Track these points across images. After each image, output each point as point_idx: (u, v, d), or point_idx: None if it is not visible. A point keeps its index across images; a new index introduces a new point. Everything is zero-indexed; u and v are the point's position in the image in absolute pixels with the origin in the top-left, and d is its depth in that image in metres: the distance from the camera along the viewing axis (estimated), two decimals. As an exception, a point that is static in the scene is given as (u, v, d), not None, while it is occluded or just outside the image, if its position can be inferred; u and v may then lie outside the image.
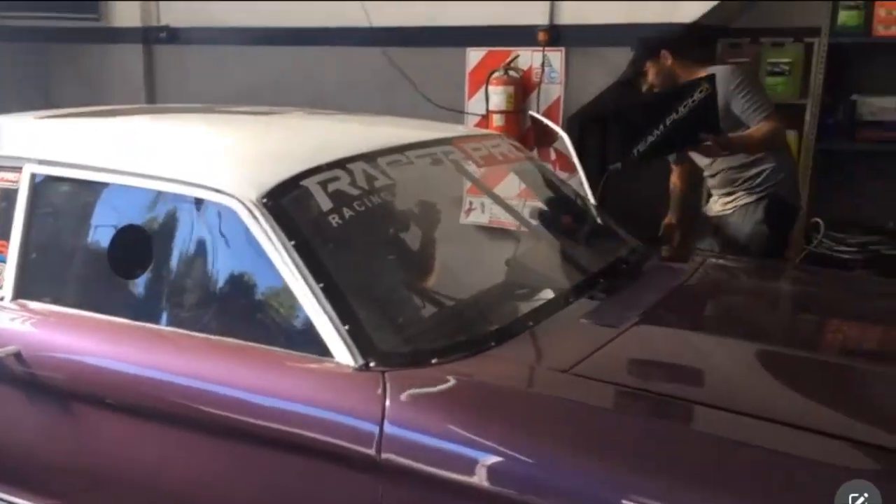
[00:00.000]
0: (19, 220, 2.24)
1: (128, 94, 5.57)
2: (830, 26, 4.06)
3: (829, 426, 1.59)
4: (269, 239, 1.90)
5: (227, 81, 5.32)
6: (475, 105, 4.73)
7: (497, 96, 4.52)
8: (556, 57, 4.49)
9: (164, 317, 2.04)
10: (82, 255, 2.23)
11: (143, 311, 2.07)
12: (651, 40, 3.46)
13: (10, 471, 2.15)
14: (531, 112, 4.41)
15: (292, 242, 1.89)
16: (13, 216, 2.26)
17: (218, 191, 1.98)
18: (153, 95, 5.72)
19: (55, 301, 2.16)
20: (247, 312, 1.97)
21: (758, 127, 3.06)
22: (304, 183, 2.01)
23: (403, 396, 1.68)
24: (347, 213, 2.00)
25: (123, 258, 2.10)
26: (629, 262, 2.48)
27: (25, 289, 2.20)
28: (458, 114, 4.73)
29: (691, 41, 3.57)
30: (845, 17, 4.03)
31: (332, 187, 2.03)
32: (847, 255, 4.03)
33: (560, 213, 2.73)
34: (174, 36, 5.59)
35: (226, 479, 1.87)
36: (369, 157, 2.20)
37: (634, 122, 2.91)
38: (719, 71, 3.10)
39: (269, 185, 1.97)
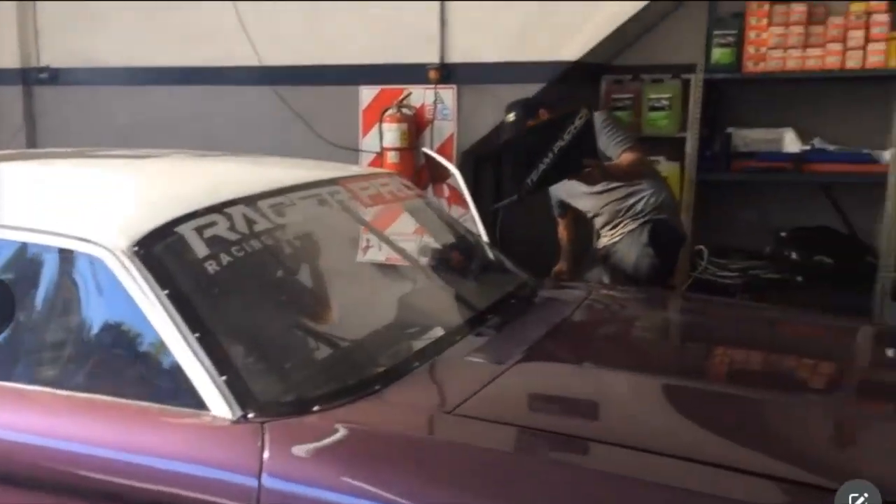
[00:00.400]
0: None
1: (6, 136, 5.34)
2: (705, 63, 4.27)
3: (727, 459, 1.59)
4: (141, 289, 1.82)
5: (112, 122, 5.18)
6: (369, 142, 4.74)
7: (391, 133, 4.55)
8: (448, 94, 4.56)
9: (29, 375, 1.92)
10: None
11: (5, 369, 1.94)
12: (528, 101, 3.67)
13: None
14: (424, 149, 4.44)
15: (165, 292, 1.82)
16: None
17: (85, 240, 1.89)
18: (34, 137, 5.50)
19: None
20: (118, 367, 1.89)
21: (623, 157, 3.25)
22: (179, 229, 1.94)
23: (282, 448, 1.63)
24: (225, 258, 1.95)
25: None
26: (518, 296, 2.50)
27: None
28: (352, 151, 4.73)
29: (562, 92, 3.72)
30: (718, 54, 4.25)
31: (208, 233, 1.97)
32: (729, 280, 4.20)
33: (450, 250, 2.74)
34: (55, 76, 5.40)
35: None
36: (249, 200, 2.15)
37: (525, 152, 2.99)
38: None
39: (140, 232, 1.89)
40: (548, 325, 2.29)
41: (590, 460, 1.65)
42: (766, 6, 4.17)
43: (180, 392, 1.76)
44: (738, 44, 4.23)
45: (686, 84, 4.43)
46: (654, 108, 4.49)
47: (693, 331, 2.62)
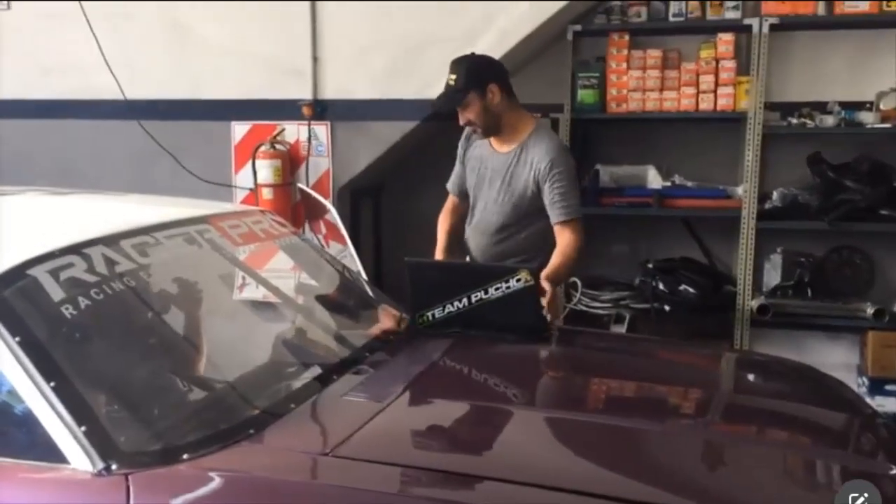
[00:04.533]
0: None
1: None
2: (572, 103, 4.45)
3: (601, 488, 1.62)
4: (-10, 336, 1.69)
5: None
6: (243, 178, 4.63)
7: (265, 170, 4.46)
8: (322, 130, 4.53)
9: None
10: None
11: None
12: (481, 66, 2.96)
13: None
14: (300, 185, 4.38)
15: (16, 339, 1.70)
16: None
17: (-74, 284, 1.74)
18: None
19: None
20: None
21: (567, 242, 2.81)
22: (31, 272, 1.82)
23: (149, 501, 1.54)
24: (83, 301, 1.84)
25: None
26: (396, 333, 2.49)
27: None
28: (225, 188, 4.61)
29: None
30: (583, 95, 4.44)
31: (64, 275, 1.86)
32: (602, 310, 4.35)
33: (328, 287, 2.70)
34: None
35: None
36: (110, 240, 2.05)
37: (431, 282, 2.52)
38: (548, 142, 2.87)
39: (-12, 275, 1.76)
40: (426, 361, 2.29)
41: (472, 496, 1.65)
42: (625, 51, 4.40)
43: (36, 445, 1.65)
44: (601, 85, 4.43)
45: (555, 122, 4.58)
46: (525, 146, 4.62)
47: (567, 362, 2.68)
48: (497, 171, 2.97)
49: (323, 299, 2.61)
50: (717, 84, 4.29)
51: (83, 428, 1.63)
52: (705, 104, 4.30)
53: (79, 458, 1.61)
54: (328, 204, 3.44)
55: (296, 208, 4.53)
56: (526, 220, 2.95)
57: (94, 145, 4.74)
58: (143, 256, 2.09)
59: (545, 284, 2.62)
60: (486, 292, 2.45)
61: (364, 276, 3.03)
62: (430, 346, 2.41)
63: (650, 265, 4.35)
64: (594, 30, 4.48)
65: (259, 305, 2.37)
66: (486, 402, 2.17)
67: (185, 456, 1.65)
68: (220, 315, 2.22)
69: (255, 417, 1.83)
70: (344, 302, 2.65)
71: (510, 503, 1.58)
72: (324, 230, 4.37)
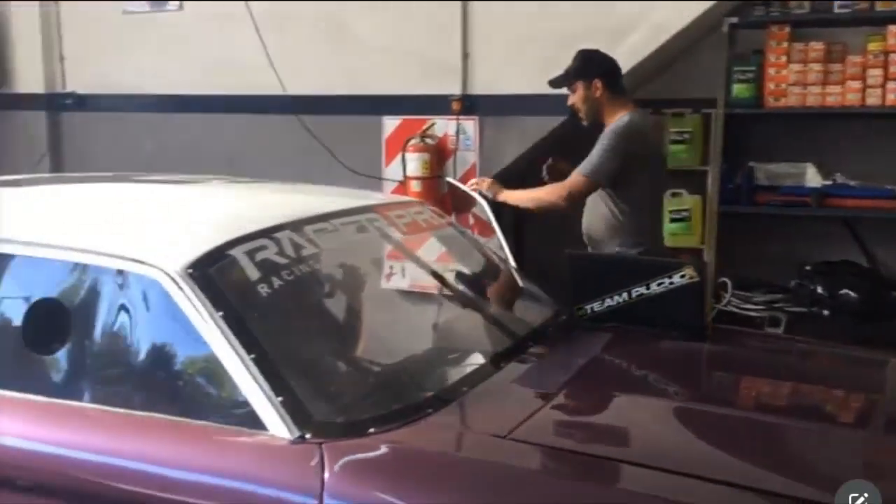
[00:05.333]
0: (-76, 294, 2.11)
1: (31, 162, 5.39)
2: (726, 98, 4.32)
3: (759, 482, 1.63)
4: (196, 310, 1.85)
5: (137, 149, 5.23)
6: (392, 171, 4.79)
7: (414, 163, 4.59)
8: (470, 125, 4.61)
9: (86, 394, 1.94)
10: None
11: (63, 388, 1.97)
12: (593, 61, 3.26)
13: None
14: (448, 178, 4.47)
15: (220, 313, 1.84)
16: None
17: (141, 262, 1.93)
18: (59, 163, 5.54)
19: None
20: (174, 386, 1.91)
21: (561, 185, 3.09)
22: (231, 252, 1.98)
23: (342, 468, 1.64)
24: (276, 282, 1.98)
25: (40, 334, 1.99)
26: (554, 326, 2.52)
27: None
28: (375, 180, 4.78)
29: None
30: (738, 89, 4.31)
31: (259, 256, 2.00)
32: (753, 312, 4.21)
33: (485, 278, 2.76)
34: (81, 103, 5.46)
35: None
36: (295, 225, 2.19)
37: (591, 275, 2.58)
38: (613, 124, 3.10)
39: (194, 255, 1.93)
40: (588, 354, 2.31)
41: (639, 485, 1.66)
42: (785, 44, 4.24)
43: (236, 412, 1.78)
44: (758, 80, 4.29)
45: (707, 118, 4.48)
46: (675, 142, 4.54)
47: (733, 362, 2.63)
48: None
49: (483, 289, 2.68)
50: (885, 78, 4.06)
51: (280, 398, 1.75)
52: (872, 99, 4.07)
53: (277, 425, 1.73)
54: (478, 196, 3.50)
55: (443, 201, 4.64)
56: (604, 201, 3.15)
57: (256, 139, 5.02)
58: (324, 242, 2.21)
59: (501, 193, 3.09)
60: (648, 287, 2.45)
61: (515, 267, 3.08)
62: (590, 339, 2.43)
63: (808, 267, 4.17)
64: (752, 22, 4.33)
65: (424, 292, 2.46)
66: (649, 396, 2.17)
67: (371, 430, 1.75)
68: (389, 300, 2.33)
69: (432, 398, 1.91)
70: (504, 293, 2.70)
71: (674, 494, 1.58)
72: (471, 222, 4.45)
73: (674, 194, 4.54)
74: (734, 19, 4.29)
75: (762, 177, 4.36)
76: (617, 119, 3.13)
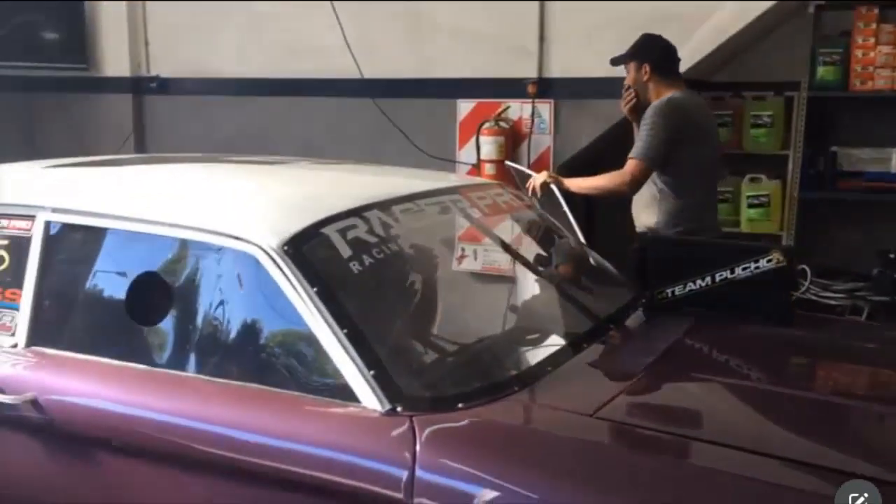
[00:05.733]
0: (33, 268, 2.24)
1: (116, 143, 5.59)
2: (809, 81, 4.22)
3: (834, 462, 1.64)
4: (292, 286, 1.91)
5: (218, 131, 5.37)
6: (465, 155, 4.82)
7: (488, 146, 4.61)
8: (546, 108, 4.61)
9: (184, 363, 2.04)
10: (98, 303, 2.23)
11: (162, 357, 2.07)
12: (646, 46, 3.36)
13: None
14: (507, 162, 4.44)
15: (315, 289, 1.91)
16: (25, 264, 2.26)
17: (239, 238, 2.00)
18: (143, 145, 5.74)
19: (70, 348, 2.15)
20: (268, 358, 1.98)
21: (617, 172, 3.10)
22: (324, 231, 2.04)
23: (434, 441, 1.69)
24: (367, 260, 2.03)
25: (141, 305, 2.10)
26: (634, 309, 2.53)
27: (39, 336, 2.18)
28: (448, 163, 4.82)
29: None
30: (823, 72, 4.20)
31: (350, 235, 2.06)
32: (834, 301, 4.11)
33: (565, 260, 2.78)
34: (164, 86, 5.64)
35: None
36: (383, 205, 2.25)
37: (672, 259, 2.57)
38: (664, 98, 3.14)
39: (289, 232, 1.99)
40: (670, 337, 2.31)
41: (730, 466, 1.67)
42: (873, 25, 4.11)
43: (329, 384, 1.85)
44: (844, 62, 4.17)
45: (789, 101, 4.38)
46: (755, 125, 4.46)
47: (811, 347, 2.59)
48: None
49: (563, 272, 2.70)
50: (980, 61, 3.91)
51: (372, 372, 1.81)
52: (963, 83, 3.94)
53: (369, 398, 1.79)
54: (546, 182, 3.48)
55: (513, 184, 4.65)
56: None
57: (333, 122, 5.11)
58: (411, 221, 2.27)
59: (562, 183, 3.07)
60: (733, 271, 2.42)
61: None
62: (672, 323, 2.43)
63: (892, 255, 4.05)
64: (839, 3, 4.21)
65: (507, 273, 2.49)
66: (733, 379, 2.17)
67: (460, 405, 1.80)
68: (473, 280, 2.37)
69: (517, 376, 1.95)
70: (583, 276, 2.72)
71: (753, 472, 1.59)
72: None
73: (752, 179, 4.46)
74: (820, 0, 4.18)
75: (845, 162, 4.26)
76: (659, 100, 3.18)
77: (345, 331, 1.86)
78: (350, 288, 1.98)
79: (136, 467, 1.97)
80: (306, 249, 1.98)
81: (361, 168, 2.94)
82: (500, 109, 4.67)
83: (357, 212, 2.15)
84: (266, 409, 1.87)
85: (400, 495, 1.65)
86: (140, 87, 5.72)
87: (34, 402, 2.03)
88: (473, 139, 4.72)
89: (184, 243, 2.10)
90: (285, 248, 1.96)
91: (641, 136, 3.09)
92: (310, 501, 1.77)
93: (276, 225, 2.02)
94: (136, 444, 1.95)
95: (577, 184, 3.21)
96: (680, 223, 3.13)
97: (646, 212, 3.25)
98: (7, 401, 2.05)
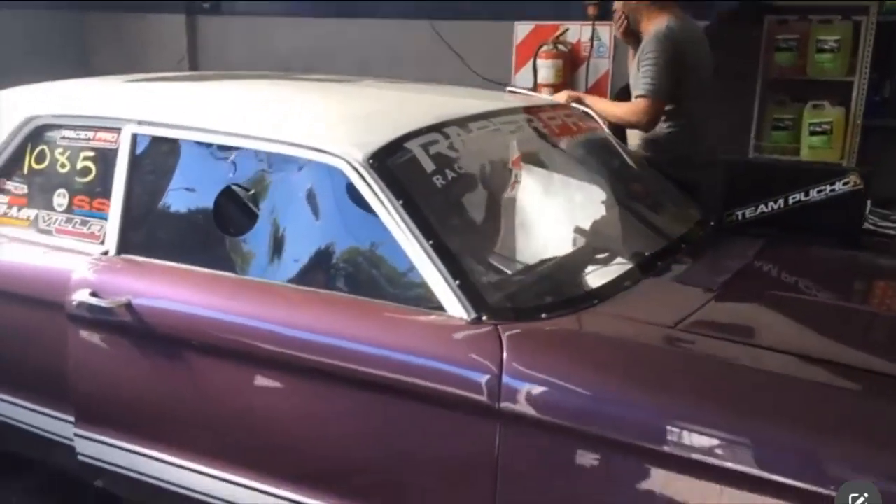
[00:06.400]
0: (121, 178, 2.31)
1: (169, 65, 5.62)
2: (879, 5, 4.10)
3: None
4: (378, 198, 1.96)
5: (271, 53, 5.38)
6: (521, 79, 4.78)
7: (546, 70, 4.57)
8: (605, 31, 4.53)
9: (270, 272, 2.10)
10: (185, 213, 2.30)
11: (248, 266, 2.13)
12: None
13: (120, 416, 2.23)
14: (508, 87, 4.32)
15: (400, 201, 1.95)
16: (112, 175, 2.33)
17: (325, 152, 2.04)
18: (196, 67, 5.77)
19: (158, 256, 2.22)
20: (353, 268, 2.04)
21: (636, 101, 2.99)
22: (408, 145, 2.07)
23: (520, 349, 1.74)
24: (449, 174, 2.07)
25: (227, 216, 2.16)
26: (704, 231, 2.54)
27: (129, 244, 2.27)
28: (504, 87, 4.78)
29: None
30: (895, -4, 4.07)
31: (432, 150, 2.09)
32: (893, 230, 4.08)
33: (635, 181, 2.78)
34: (217, 7, 5.63)
35: (336, 427, 1.94)
36: (461, 122, 2.26)
37: (746, 180, 2.58)
38: (653, 30, 2.99)
39: (374, 146, 2.03)
40: (743, 258, 2.33)
41: (807, 375, 1.71)
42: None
43: (415, 293, 1.91)
44: (917, -15, 4.04)
45: (857, 26, 4.26)
46: (821, 50, 4.35)
47: (881, 268, 2.60)
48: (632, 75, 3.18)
49: (635, 193, 2.70)
50: None
51: (457, 282, 1.86)
52: None
53: (455, 307, 1.85)
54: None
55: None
56: None
57: (388, 44, 5.08)
58: (489, 138, 2.29)
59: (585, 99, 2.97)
60: (807, 194, 2.41)
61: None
62: (743, 244, 2.45)
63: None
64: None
65: (580, 190, 2.50)
66: (808, 297, 2.20)
67: (543, 315, 1.85)
68: (549, 197, 2.39)
69: (597, 290, 1.99)
70: (652, 196, 2.73)
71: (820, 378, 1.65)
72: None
73: (815, 106, 4.38)
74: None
75: (914, 89, 4.15)
76: (654, 28, 3.01)
77: (430, 242, 1.91)
78: (433, 201, 2.02)
79: (223, 370, 2.06)
80: (391, 163, 2.02)
81: (429, 87, 2.95)
82: (558, 32, 4.61)
83: (437, 128, 2.17)
84: (352, 315, 1.93)
85: (486, 399, 1.72)
86: (193, 8, 5.72)
87: (128, 306, 2.13)
88: (530, 63, 4.68)
89: (270, 156, 2.14)
90: (370, 161, 1.99)
91: (646, 71, 2.95)
92: (396, 405, 1.85)
93: (361, 139, 2.06)
94: (225, 347, 2.03)
95: (599, 106, 3.06)
96: (672, 149, 3.01)
97: (636, 137, 3.14)
98: (102, 304, 2.15)
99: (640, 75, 2.99)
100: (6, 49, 5.37)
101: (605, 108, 3.07)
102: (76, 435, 2.30)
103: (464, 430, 1.77)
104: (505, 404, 1.71)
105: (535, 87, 4.64)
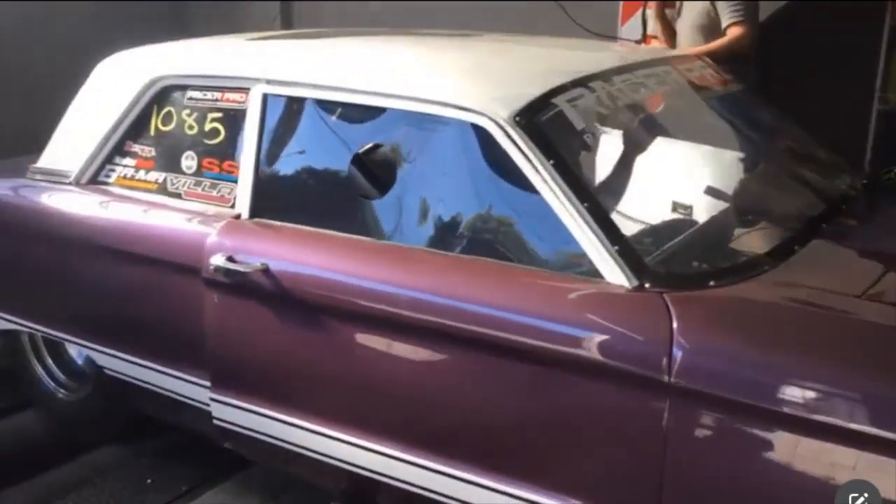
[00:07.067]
0: (251, 140, 2.25)
1: (265, 21, 5.58)
2: None
3: None
4: (527, 158, 1.85)
5: (364, 8, 5.28)
6: (628, 31, 4.56)
7: (655, 22, 4.34)
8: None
9: (411, 236, 2.02)
10: (320, 175, 2.23)
11: (388, 230, 2.06)
12: None
13: (255, 381, 2.21)
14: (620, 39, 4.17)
15: (551, 162, 1.84)
16: (241, 137, 2.28)
17: (467, 109, 1.94)
18: (289, 24, 5.72)
19: (293, 220, 2.17)
20: (499, 232, 1.94)
21: (730, 30, 3.20)
22: (555, 101, 1.95)
23: (690, 318, 1.63)
24: (600, 131, 1.95)
25: (364, 177, 2.08)
26: (858, 189, 2.36)
27: (262, 207, 2.22)
28: (610, 40, 4.58)
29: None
30: None
31: (581, 105, 1.97)
32: None
33: (784, 136, 2.60)
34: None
35: (483, 398, 1.87)
36: (604, 75, 2.13)
37: None
38: None
39: (520, 103, 1.92)
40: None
41: None
42: None
43: (568, 260, 1.80)
44: None
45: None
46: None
47: None
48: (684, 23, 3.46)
49: (784, 151, 2.53)
50: None
51: (616, 248, 1.75)
52: None
53: (614, 274, 1.74)
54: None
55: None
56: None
57: (491, 6, 4.91)
58: (633, 92, 2.15)
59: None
60: None
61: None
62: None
63: None
64: None
65: (730, 150, 2.34)
66: None
67: (711, 283, 1.72)
68: (701, 157, 2.24)
69: (765, 256, 1.84)
70: (803, 155, 2.54)
71: None
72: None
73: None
74: None
75: None
76: None
77: (585, 205, 1.79)
78: (585, 161, 1.91)
79: (363, 336, 2.00)
80: (539, 121, 1.90)
81: (555, 41, 2.81)
82: (669, -19, 4.36)
83: (582, 82, 2.04)
84: (504, 283, 1.84)
85: (657, 375, 1.61)
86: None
87: (265, 271, 2.08)
88: (639, 13, 4.45)
89: (408, 115, 2.05)
90: (517, 118, 1.88)
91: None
92: (553, 377, 1.75)
93: (505, 96, 1.95)
94: (366, 314, 1.97)
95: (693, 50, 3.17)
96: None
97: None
98: (239, 268, 2.11)
99: (725, 5, 3.18)
100: (101, 35, 5.38)
101: (699, 49, 3.16)
102: (212, 399, 2.29)
103: (629, 403, 1.67)
104: (676, 379, 1.60)
105: (645, 40, 4.42)
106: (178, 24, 5.89)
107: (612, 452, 1.72)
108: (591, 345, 1.69)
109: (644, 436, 1.65)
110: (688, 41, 3.52)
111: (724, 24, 3.21)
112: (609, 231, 1.77)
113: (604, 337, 1.69)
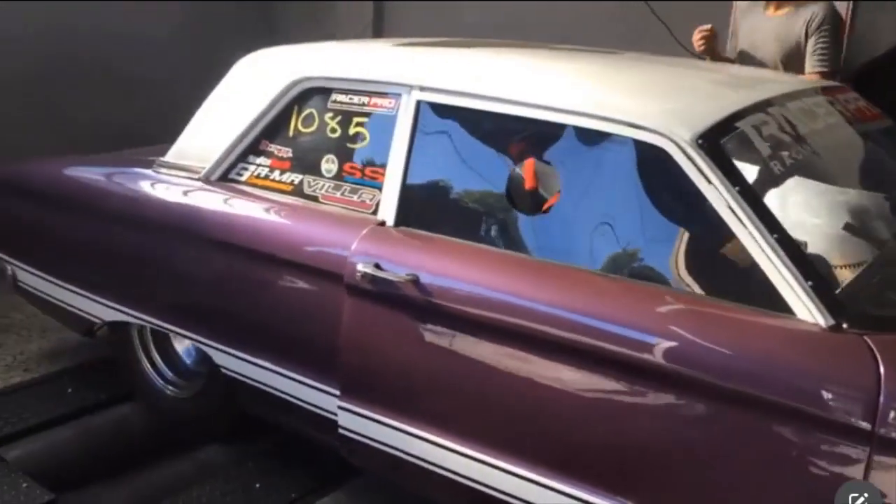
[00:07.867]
0: (401, 147, 2.19)
1: (355, 32, 5.57)
2: None
3: None
4: (711, 183, 1.76)
5: (457, 22, 5.24)
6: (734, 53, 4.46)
7: (766, 50, 4.23)
8: (842, 7, 4.14)
9: (572, 257, 1.93)
10: (474, 188, 2.16)
11: (546, 249, 1.98)
12: None
13: (388, 392, 2.13)
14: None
15: (736, 188, 1.75)
16: (388, 143, 2.22)
17: (644, 128, 1.85)
18: (381, 35, 5.70)
19: (443, 231, 2.10)
20: (674, 259, 1.85)
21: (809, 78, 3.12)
22: (739, 125, 1.86)
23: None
24: (787, 159, 1.85)
25: (524, 193, 2.01)
26: None
27: (409, 216, 2.15)
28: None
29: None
30: None
31: (765, 131, 1.88)
32: None
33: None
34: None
35: (643, 430, 1.77)
36: (779, 101, 2.04)
37: None
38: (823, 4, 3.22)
39: (703, 125, 1.83)
40: None
41: None
42: None
43: (752, 293, 1.70)
44: None
45: None
46: None
47: None
48: (769, 31, 3.33)
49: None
50: None
51: (810, 283, 1.65)
52: None
53: (807, 311, 1.64)
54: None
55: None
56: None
57: (590, 19, 4.85)
58: (808, 120, 2.05)
59: None
60: None
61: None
62: None
63: None
64: None
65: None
66: None
67: (912, 326, 1.62)
68: (879, 186, 2.14)
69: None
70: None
71: None
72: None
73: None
74: None
75: None
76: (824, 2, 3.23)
77: (775, 236, 1.70)
78: (770, 189, 1.81)
79: (514, 356, 1.90)
80: (724, 144, 1.81)
81: (698, 63, 2.71)
82: (784, 8, 4.25)
83: (761, 107, 1.95)
84: (684, 313, 1.75)
85: (861, 423, 1.50)
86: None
87: (415, 282, 2.01)
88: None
89: (575, 130, 1.96)
90: (699, 141, 1.80)
91: (830, 46, 3.17)
92: (733, 417, 1.65)
93: (686, 116, 1.86)
94: (520, 333, 1.88)
95: None
96: None
97: None
98: (389, 277, 2.04)
99: (818, 48, 3.17)
100: (188, 35, 5.39)
101: None
102: (340, 408, 2.22)
103: (822, 452, 1.57)
104: (883, 429, 1.49)
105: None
106: (264, 24, 5.92)
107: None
108: (780, 387, 1.59)
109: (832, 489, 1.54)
110: (767, 54, 3.41)
111: (807, 69, 3.21)
112: (802, 265, 1.67)
113: (798, 379, 1.58)
